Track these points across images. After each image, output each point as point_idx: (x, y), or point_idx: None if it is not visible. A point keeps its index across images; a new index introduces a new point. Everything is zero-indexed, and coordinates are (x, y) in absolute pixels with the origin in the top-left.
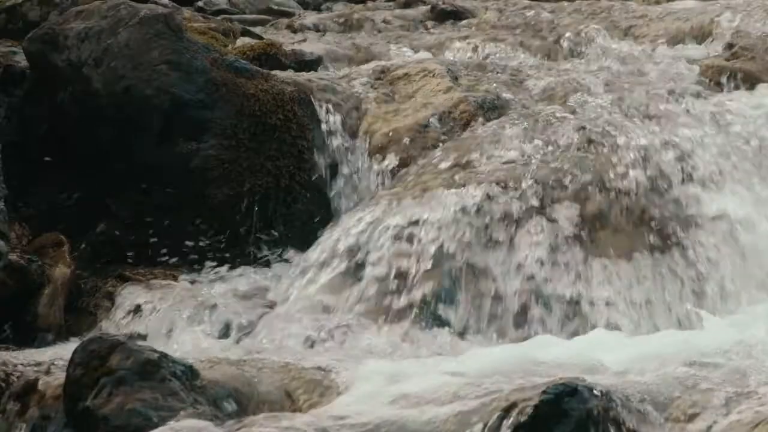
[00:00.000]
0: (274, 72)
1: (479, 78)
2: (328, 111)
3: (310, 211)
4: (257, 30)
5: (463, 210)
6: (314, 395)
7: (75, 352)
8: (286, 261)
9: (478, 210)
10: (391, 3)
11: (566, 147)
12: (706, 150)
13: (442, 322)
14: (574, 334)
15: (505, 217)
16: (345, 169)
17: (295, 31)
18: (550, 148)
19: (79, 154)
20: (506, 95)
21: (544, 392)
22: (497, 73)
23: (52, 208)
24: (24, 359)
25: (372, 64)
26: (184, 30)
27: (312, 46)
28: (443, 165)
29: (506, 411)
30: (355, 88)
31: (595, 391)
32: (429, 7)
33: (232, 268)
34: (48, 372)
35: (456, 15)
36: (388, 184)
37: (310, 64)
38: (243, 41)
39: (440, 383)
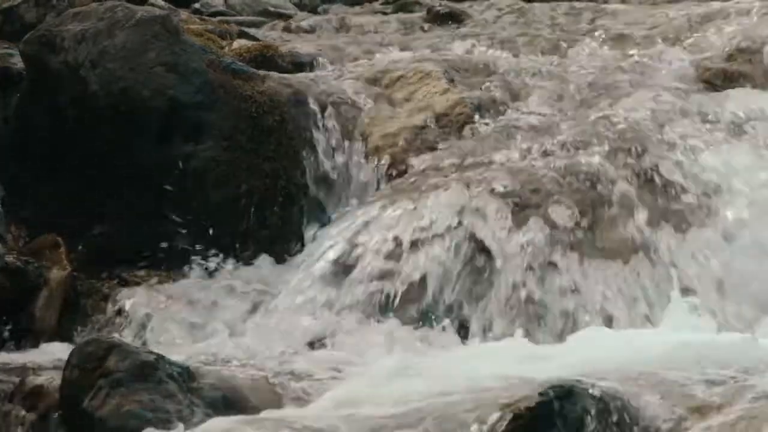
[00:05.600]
0: (270, 73)
1: (476, 80)
2: (324, 113)
3: (307, 212)
4: (254, 32)
5: (460, 211)
6: (310, 394)
7: (72, 353)
8: (283, 262)
9: (475, 211)
10: (387, 5)
11: (564, 149)
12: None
13: (437, 322)
14: (571, 333)
15: (501, 218)
16: (342, 171)
17: (291, 33)
18: (547, 150)
19: (76, 156)
20: (503, 97)
21: (540, 394)
22: (494, 74)
23: (49, 210)
24: (21, 361)
25: (368, 66)
26: (181, 32)
27: (308, 47)
28: (440, 167)
29: (502, 412)
30: (352, 90)
31: (591, 392)
32: (425, 9)
33: (230, 269)
34: (45, 374)
35: (452, 17)
36: (384, 186)
37: (307, 65)
38: (240, 43)
39: (435, 383)
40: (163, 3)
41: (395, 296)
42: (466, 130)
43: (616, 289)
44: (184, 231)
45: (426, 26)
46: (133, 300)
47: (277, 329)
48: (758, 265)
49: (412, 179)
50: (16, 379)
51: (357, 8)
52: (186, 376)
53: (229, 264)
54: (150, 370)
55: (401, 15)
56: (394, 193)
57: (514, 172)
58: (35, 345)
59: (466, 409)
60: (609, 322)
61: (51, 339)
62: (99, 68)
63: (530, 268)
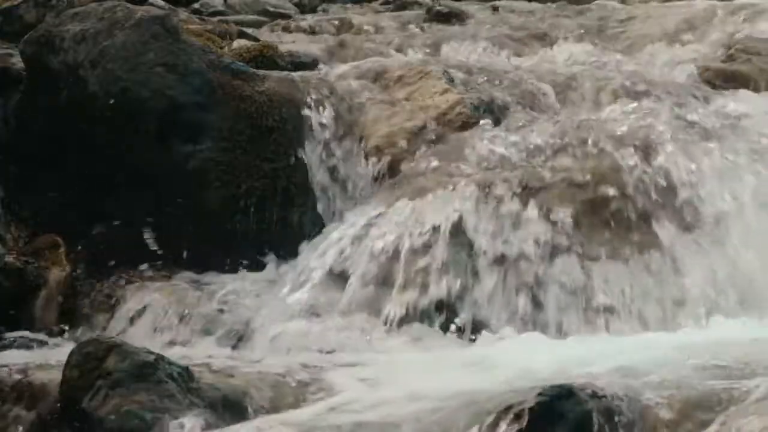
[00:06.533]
0: (270, 73)
1: (475, 80)
2: (324, 113)
3: (306, 212)
4: (254, 32)
5: (460, 212)
6: (308, 397)
7: (71, 353)
8: (283, 263)
9: (474, 211)
10: (386, 5)
11: (562, 150)
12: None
13: (435, 324)
14: (571, 333)
15: (501, 218)
16: (341, 171)
17: (291, 33)
18: (547, 150)
19: (75, 156)
20: (502, 97)
21: (539, 394)
22: (493, 75)
23: (48, 210)
24: (20, 361)
25: (368, 66)
26: (181, 32)
27: (308, 47)
28: (439, 167)
29: (502, 413)
30: (352, 90)
31: (591, 393)
32: (425, 9)
33: (229, 270)
34: (44, 374)
35: (451, 17)
36: (384, 186)
37: (306, 65)
38: (239, 43)
39: (434, 385)
40: (162, 3)
41: (395, 297)
42: (466, 130)
43: (615, 288)
44: (182, 232)
45: (426, 26)
46: (133, 300)
47: (276, 331)
48: (758, 264)
49: (412, 179)
50: (16, 379)
51: (357, 8)
52: (185, 376)
53: (229, 265)
54: (149, 371)
55: (401, 15)
56: (393, 193)
57: (515, 172)
58: (35, 345)
59: (466, 409)
60: (609, 322)
61: (50, 339)
62: (98, 68)
63: (530, 267)
